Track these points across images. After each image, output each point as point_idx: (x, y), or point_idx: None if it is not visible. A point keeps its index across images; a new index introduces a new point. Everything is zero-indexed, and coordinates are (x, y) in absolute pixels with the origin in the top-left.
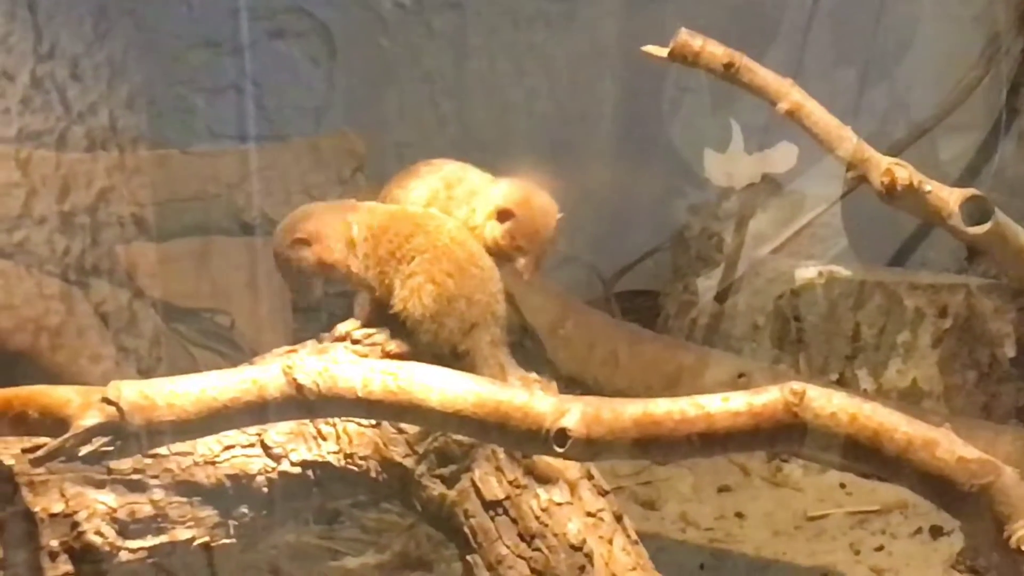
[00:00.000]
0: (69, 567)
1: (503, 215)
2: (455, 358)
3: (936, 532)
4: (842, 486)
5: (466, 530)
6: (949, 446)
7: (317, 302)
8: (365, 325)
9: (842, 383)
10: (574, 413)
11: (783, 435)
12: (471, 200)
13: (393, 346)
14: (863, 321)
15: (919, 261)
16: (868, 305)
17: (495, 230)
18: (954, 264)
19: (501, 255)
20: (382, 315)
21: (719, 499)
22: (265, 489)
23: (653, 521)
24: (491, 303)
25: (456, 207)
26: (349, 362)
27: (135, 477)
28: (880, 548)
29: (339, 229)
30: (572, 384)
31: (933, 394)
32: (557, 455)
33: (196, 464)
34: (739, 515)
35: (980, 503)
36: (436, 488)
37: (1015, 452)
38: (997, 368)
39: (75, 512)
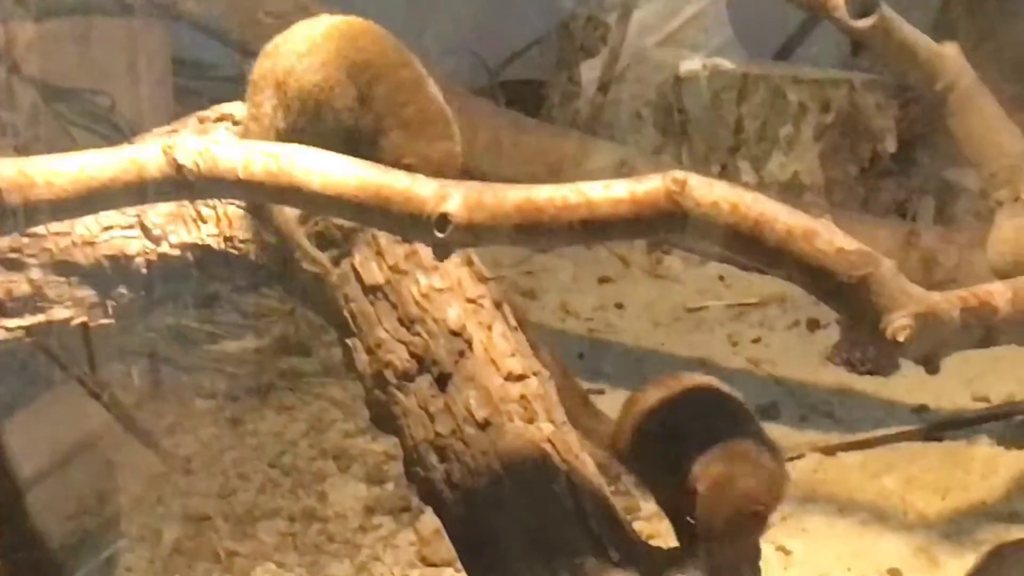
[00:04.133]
0: None
1: None
2: None
3: (813, 325)
4: (721, 278)
5: (346, 314)
6: (829, 237)
7: None
8: None
9: (724, 175)
10: (456, 198)
11: (664, 223)
12: None
13: None
14: (746, 114)
15: (804, 56)
16: (751, 98)
17: None
18: (838, 59)
19: None
20: None
21: (599, 289)
22: (144, 270)
23: (533, 310)
24: None
25: None
26: (230, 143)
27: (12, 256)
28: (757, 340)
29: None
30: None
31: (814, 187)
32: (438, 240)
33: (74, 244)
34: (619, 306)
35: (858, 294)
36: (316, 272)
37: (894, 246)
38: (878, 163)
39: None
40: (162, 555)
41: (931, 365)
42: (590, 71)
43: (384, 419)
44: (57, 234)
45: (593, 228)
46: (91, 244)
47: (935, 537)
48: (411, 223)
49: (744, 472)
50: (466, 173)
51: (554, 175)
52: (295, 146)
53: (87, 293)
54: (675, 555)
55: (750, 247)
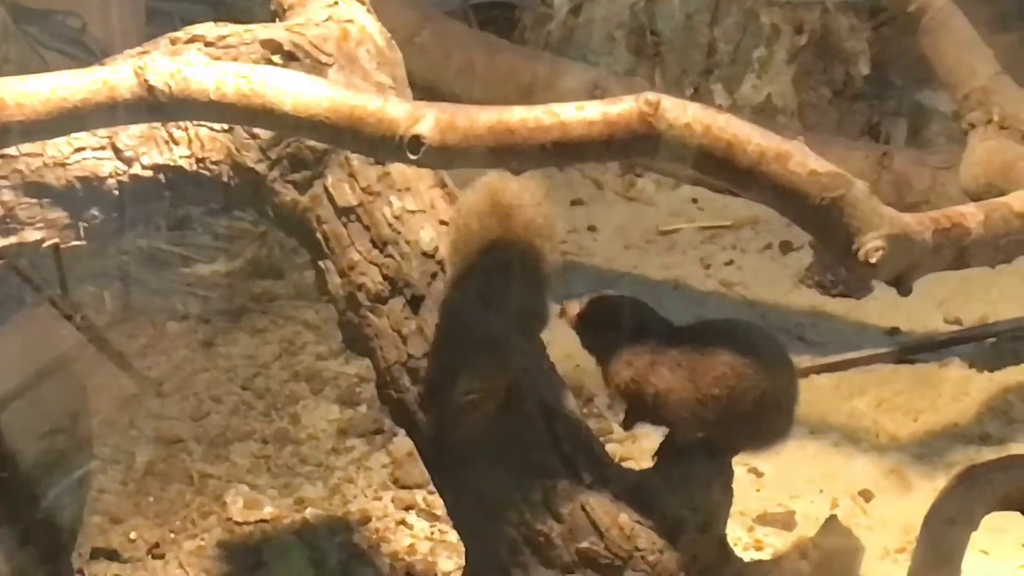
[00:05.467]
0: None
1: None
2: None
3: (785, 247)
4: (694, 201)
5: (318, 236)
6: (802, 159)
7: None
8: None
9: (697, 97)
10: (428, 119)
11: (637, 145)
12: None
13: None
14: (719, 36)
15: None
16: (724, 20)
17: None
18: None
19: None
20: None
21: (572, 212)
22: (116, 192)
23: None
24: None
25: None
26: (202, 64)
27: None
28: (730, 263)
29: None
30: (428, 93)
31: (787, 110)
32: (410, 162)
33: (46, 165)
34: (591, 228)
35: (830, 215)
36: (288, 194)
37: (867, 168)
38: (851, 86)
39: None
40: (135, 477)
41: (903, 287)
42: None
43: (357, 341)
44: (28, 155)
45: (566, 150)
46: (63, 165)
47: (906, 459)
48: (383, 145)
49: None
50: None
51: (526, 97)
52: (267, 67)
53: (59, 215)
54: (647, 477)
55: (723, 169)
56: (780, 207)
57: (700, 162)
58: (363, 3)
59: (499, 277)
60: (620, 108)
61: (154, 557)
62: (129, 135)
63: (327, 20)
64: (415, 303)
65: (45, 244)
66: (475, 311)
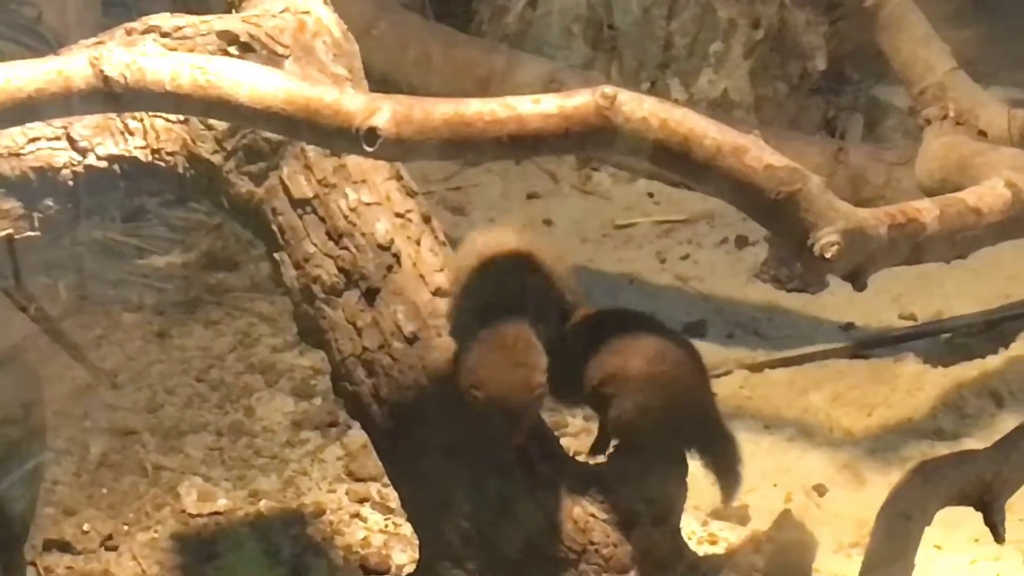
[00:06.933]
0: None
1: None
2: None
3: (741, 242)
4: (650, 195)
5: (274, 228)
6: (758, 153)
7: None
8: None
9: (654, 91)
10: (385, 112)
11: (593, 138)
12: None
13: None
14: (676, 30)
15: None
16: (682, 14)
17: None
18: None
19: None
20: None
21: (528, 205)
22: (71, 182)
23: (462, 226)
24: None
25: None
26: (158, 55)
27: None
28: (686, 257)
29: None
30: (384, 85)
31: (743, 105)
32: (367, 154)
33: (0, 155)
34: (547, 222)
35: (786, 210)
36: (244, 185)
37: (823, 163)
38: (807, 81)
39: None
40: (89, 468)
41: (858, 282)
42: None
43: (312, 333)
44: None
45: (522, 142)
46: (17, 156)
47: (860, 453)
48: (340, 137)
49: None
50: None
51: (483, 90)
52: (223, 58)
53: (13, 205)
54: (602, 470)
55: (679, 163)
56: (736, 201)
57: (656, 156)
58: None
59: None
60: (576, 101)
61: (107, 549)
62: (84, 125)
63: (283, 11)
64: (370, 295)
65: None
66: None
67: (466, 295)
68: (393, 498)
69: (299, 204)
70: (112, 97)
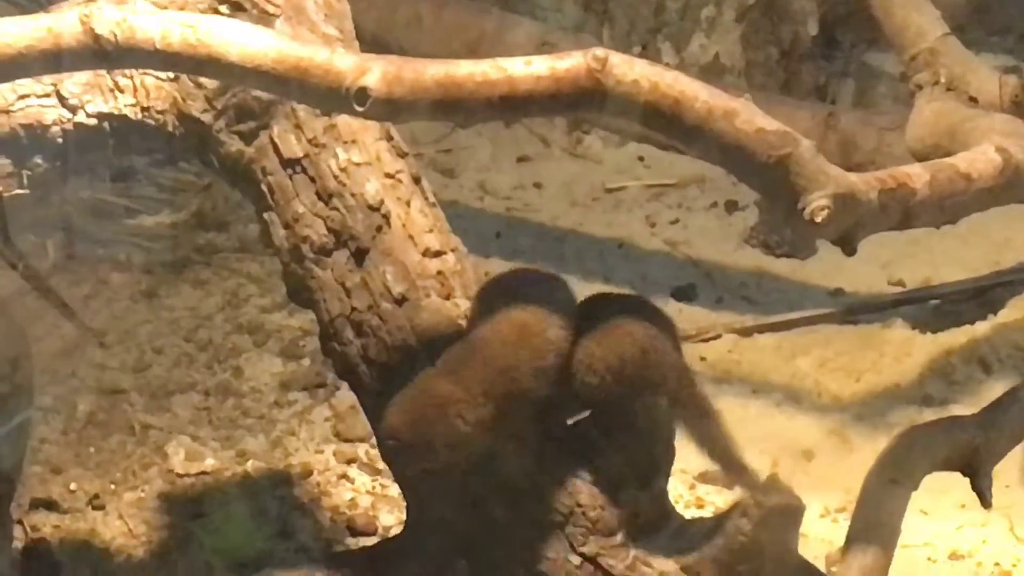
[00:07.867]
0: None
1: None
2: None
3: (731, 206)
4: (640, 159)
5: (263, 188)
6: (749, 116)
7: None
8: None
9: (645, 55)
10: (375, 72)
11: (584, 100)
12: None
13: None
14: None
15: None
16: None
17: None
18: None
19: None
20: None
21: (518, 168)
22: (60, 140)
23: (452, 189)
24: None
25: None
26: (149, 13)
27: None
28: (676, 221)
29: None
30: (375, 46)
31: (735, 69)
32: (357, 114)
33: None
34: (537, 185)
35: (776, 174)
36: (234, 144)
37: (813, 128)
38: (799, 46)
39: None
40: (76, 427)
41: (848, 247)
42: None
43: (300, 294)
44: None
45: (513, 104)
46: (6, 113)
47: (848, 419)
48: (330, 96)
49: None
50: (386, 48)
51: (474, 52)
52: (214, 17)
53: (2, 162)
54: (588, 432)
55: (670, 126)
56: (726, 164)
57: (647, 118)
58: None
59: None
60: (568, 64)
61: (94, 508)
62: (74, 83)
63: None
64: (360, 256)
65: None
66: None
67: None
68: (380, 459)
69: (289, 164)
70: (102, 55)
